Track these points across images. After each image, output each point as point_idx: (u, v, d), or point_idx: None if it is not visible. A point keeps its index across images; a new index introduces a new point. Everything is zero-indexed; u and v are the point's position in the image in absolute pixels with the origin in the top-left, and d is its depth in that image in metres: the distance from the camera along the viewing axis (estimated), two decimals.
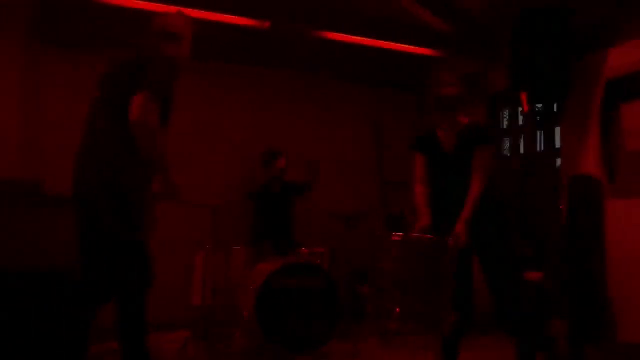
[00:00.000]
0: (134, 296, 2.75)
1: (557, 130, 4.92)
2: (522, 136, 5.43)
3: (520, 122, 5.47)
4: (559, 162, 4.90)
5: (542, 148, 5.11)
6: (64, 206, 3.58)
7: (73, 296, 2.78)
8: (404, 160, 6.56)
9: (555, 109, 4.75)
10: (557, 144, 4.94)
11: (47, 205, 3.71)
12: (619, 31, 4.31)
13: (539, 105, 4.64)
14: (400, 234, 3.13)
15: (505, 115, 5.69)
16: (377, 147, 6.34)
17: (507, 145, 5.66)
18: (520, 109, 5.39)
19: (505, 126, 5.71)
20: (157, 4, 4.39)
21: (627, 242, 4.06)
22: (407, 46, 5.38)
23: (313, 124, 6.15)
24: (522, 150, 5.45)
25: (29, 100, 4.86)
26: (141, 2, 4.37)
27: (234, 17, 4.76)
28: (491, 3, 4.84)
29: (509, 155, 5.62)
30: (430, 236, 3.07)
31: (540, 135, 5.14)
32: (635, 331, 3.92)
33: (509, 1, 4.53)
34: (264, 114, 5.91)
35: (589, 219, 4.31)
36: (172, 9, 4.35)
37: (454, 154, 3.28)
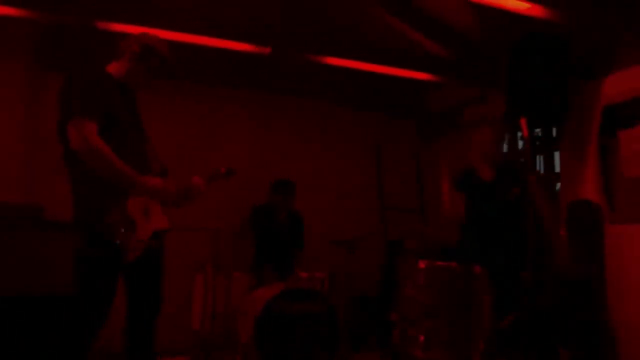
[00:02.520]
0: (141, 321, 2.76)
1: (557, 155, 4.94)
2: (522, 160, 5.44)
3: (520, 147, 5.49)
4: (559, 186, 4.90)
5: (542, 172, 5.12)
6: (64, 231, 3.61)
7: (69, 321, 2.77)
8: (403, 186, 6.64)
9: (554, 134, 4.77)
10: (557, 169, 4.95)
11: (47, 230, 3.73)
12: (616, 58, 4.35)
13: (538, 130, 4.66)
14: (426, 261, 3.16)
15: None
16: (377, 172, 6.37)
17: None
18: (519, 134, 5.40)
19: (505, 151, 5.72)
20: (159, 30, 4.46)
21: (626, 269, 4.05)
22: (406, 72, 5.42)
23: (313, 149, 6.19)
24: None
25: (32, 126, 4.90)
26: (144, 29, 4.42)
27: (234, 43, 4.82)
28: (489, 29, 4.90)
29: None
30: (456, 263, 3.12)
31: (540, 160, 5.15)
32: (636, 358, 3.90)
33: (507, 27, 4.58)
34: (264, 140, 5.95)
35: (589, 244, 4.30)
36: (175, 35, 4.48)
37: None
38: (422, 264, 3.22)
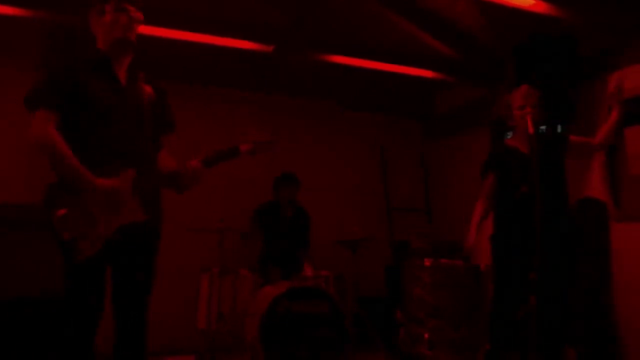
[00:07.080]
0: (131, 319, 2.59)
1: None
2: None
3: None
4: None
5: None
6: None
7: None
8: (409, 186, 6.63)
9: (560, 131, 4.75)
10: None
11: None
12: (622, 55, 4.33)
13: (544, 128, 4.64)
14: (432, 259, 3.14)
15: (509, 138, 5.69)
16: (382, 173, 6.36)
17: None
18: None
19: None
20: (166, 29, 4.46)
21: (632, 266, 4.04)
22: (412, 71, 5.40)
23: (318, 150, 6.19)
24: None
25: None
26: (151, 29, 4.42)
27: (238, 41, 4.80)
28: (496, 29, 4.88)
29: None
30: (462, 261, 3.08)
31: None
32: None
33: (514, 25, 4.57)
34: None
35: (596, 242, 4.29)
36: (180, 34, 4.48)
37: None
38: (427, 262, 3.22)
